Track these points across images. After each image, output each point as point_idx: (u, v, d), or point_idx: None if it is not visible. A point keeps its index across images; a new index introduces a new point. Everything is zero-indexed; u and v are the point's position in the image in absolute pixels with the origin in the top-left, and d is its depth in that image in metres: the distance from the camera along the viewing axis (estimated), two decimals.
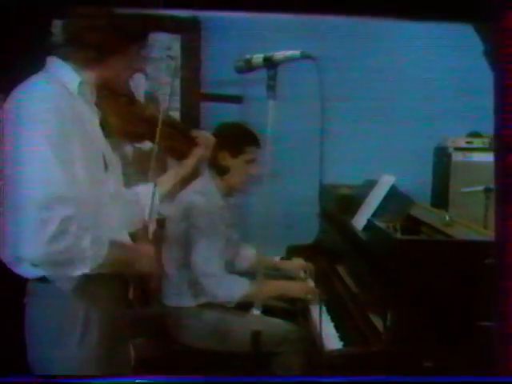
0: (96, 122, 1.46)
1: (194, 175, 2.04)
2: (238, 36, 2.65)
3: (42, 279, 1.36)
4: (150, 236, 1.64)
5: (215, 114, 2.91)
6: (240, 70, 1.44)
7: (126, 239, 1.55)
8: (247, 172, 2.23)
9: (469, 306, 1.64)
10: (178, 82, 2.98)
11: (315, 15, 1.29)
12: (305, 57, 1.39)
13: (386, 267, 1.75)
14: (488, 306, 1.56)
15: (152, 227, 1.65)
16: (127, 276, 1.52)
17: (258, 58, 1.40)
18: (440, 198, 3.01)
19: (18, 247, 1.30)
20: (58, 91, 1.35)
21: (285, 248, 2.82)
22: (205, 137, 1.85)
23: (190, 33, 2.87)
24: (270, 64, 1.39)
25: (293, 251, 2.81)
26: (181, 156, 1.83)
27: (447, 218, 2.00)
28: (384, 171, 2.30)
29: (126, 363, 1.59)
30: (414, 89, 3.06)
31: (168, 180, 1.77)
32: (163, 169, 1.84)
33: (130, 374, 1.62)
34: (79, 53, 1.40)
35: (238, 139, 2.22)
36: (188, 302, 2.17)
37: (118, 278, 1.48)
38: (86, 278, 1.35)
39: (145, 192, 1.64)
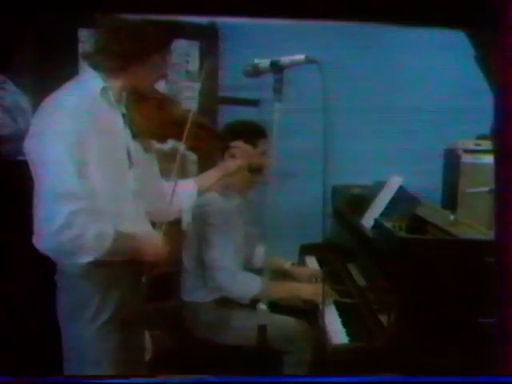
0: (120, 123, 1.57)
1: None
2: (254, 41, 2.71)
3: None
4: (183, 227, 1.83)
5: (231, 116, 2.98)
6: (248, 75, 1.50)
7: (145, 230, 1.65)
8: (262, 163, 2.18)
9: (471, 303, 1.66)
10: (197, 86, 3.08)
11: (320, 20, 1.32)
12: (309, 61, 1.43)
13: (392, 265, 1.78)
14: (490, 302, 1.60)
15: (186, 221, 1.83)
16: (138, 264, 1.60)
17: (265, 62, 1.46)
18: (450, 198, 3.00)
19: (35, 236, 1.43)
20: (80, 98, 1.47)
21: (297, 246, 2.86)
22: (244, 147, 2.05)
23: (209, 39, 2.96)
24: (276, 68, 1.44)
25: (305, 249, 2.84)
26: (210, 155, 1.96)
27: (451, 217, 2.03)
28: (395, 172, 2.33)
29: (138, 350, 1.69)
30: (425, 91, 3.05)
31: (207, 179, 1.91)
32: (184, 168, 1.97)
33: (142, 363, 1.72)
34: (106, 61, 1.52)
35: (251, 133, 2.21)
36: (203, 297, 2.21)
37: (130, 265, 1.58)
38: (100, 264, 1.47)
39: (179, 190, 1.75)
